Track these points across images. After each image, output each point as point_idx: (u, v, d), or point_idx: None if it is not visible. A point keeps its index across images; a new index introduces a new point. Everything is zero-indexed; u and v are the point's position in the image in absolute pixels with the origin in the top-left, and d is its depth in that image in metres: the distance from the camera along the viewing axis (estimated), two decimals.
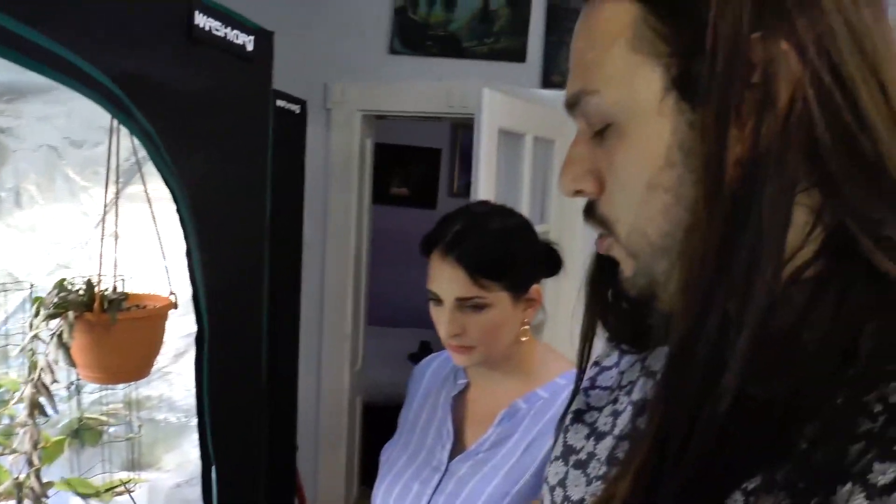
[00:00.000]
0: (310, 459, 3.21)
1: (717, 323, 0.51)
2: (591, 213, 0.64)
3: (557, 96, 1.89)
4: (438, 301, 1.33)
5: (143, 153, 1.86)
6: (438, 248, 1.32)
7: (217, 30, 1.55)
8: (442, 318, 1.32)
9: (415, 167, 5.72)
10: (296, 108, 2.58)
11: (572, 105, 0.62)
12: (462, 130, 5.55)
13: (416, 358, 4.71)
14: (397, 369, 4.52)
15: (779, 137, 0.51)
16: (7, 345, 2.02)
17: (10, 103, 2.04)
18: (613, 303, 0.70)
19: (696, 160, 0.54)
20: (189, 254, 1.47)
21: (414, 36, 3.06)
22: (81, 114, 1.98)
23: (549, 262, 1.42)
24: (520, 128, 2.50)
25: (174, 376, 1.92)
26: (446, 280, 1.30)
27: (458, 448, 1.40)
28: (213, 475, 1.57)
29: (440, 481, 1.36)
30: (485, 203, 1.52)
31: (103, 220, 1.68)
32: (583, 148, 0.63)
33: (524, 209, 2.42)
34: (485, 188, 2.21)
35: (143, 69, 1.37)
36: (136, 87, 1.33)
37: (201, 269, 1.46)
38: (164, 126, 1.38)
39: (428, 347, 4.74)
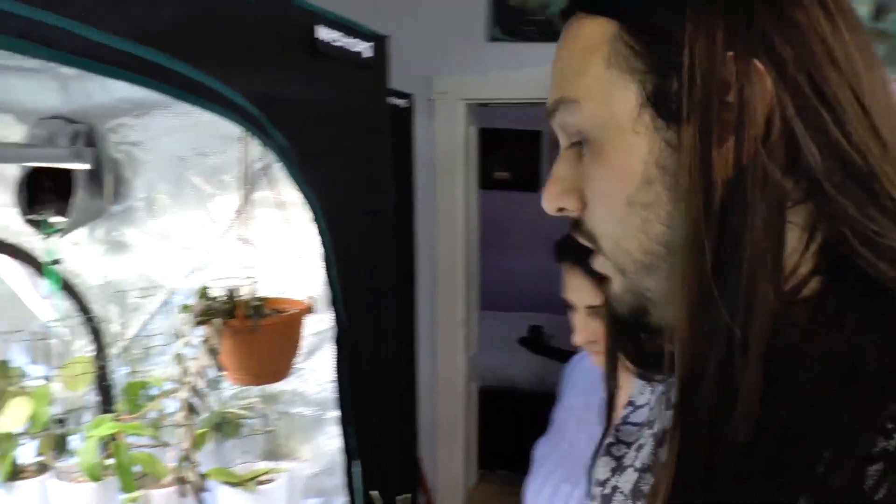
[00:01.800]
0: (429, 445, 3.30)
1: (722, 348, 0.50)
2: (577, 227, 0.64)
3: None
4: (572, 308, 1.35)
5: (267, 160, 1.95)
6: (567, 257, 1.35)
7: (337, 41, 1.60)
8: (576, 324, 1.35)
9: (515, 151, 5.72)
10: (403, 103, 2.63)
11: (551, 113, 0.62)
12: None
13: (526, 342, 4.74)
14: (508, 354, 4.56)
15: (759, 156, 0.51)
16: (152, 345, 2.16)
17: (139, 118, 2.16)
18: (631, 329, 0.69)
19: (675, 178, 0.54)
20: (326, 259, 1.53)
21: (512, 22, 3.06)
22: (205, 125, 2.08)
23: None
24: None
25: (307, 372, 2.01)
26: (576, 288, 1.33)
27: None
28: (356, 469, 1.64)
29: None
30: None
31: (240, 223, 1.76)
32: (565, 165, 0.63)
33: None
34: None
35: (274, 86, 1.43)
36: (269, 104, 1.39)
37: (337, 272, 1.53)
38: (297, 139, 1.44)
39: (539, 331, 4.76)
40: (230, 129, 2.06)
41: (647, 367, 0.70)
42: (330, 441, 2.03)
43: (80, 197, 2.14)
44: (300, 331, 1.66)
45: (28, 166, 2.16)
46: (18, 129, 2.24)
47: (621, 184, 0.57)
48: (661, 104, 0.55)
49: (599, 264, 0.63)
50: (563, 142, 0.63)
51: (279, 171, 1.85)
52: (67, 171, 2.13)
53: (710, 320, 0.51)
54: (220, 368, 1.58)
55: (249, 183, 1.83)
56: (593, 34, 0.58)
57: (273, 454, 2.05)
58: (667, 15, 0.55)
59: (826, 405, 0.47)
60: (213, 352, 1.54)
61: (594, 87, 0.58)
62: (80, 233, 2.26)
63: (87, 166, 2.09)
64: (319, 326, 1.94)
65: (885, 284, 0.49)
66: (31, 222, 2.21)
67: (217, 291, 1.69)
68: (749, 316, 0.50)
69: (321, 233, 1.52)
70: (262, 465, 2.01)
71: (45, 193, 2.22)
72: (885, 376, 0.46)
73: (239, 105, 1.36)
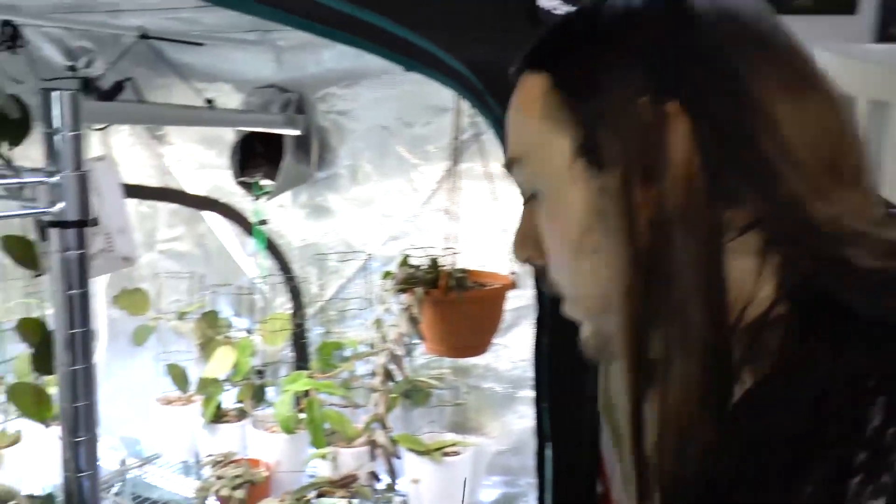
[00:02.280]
0: None
1: (662, 384, 0.53)
2: (543, 276, 0.65)
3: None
4: None
5: (475, 131, 1.94)
6: None
7: (557, 9, 1.54)
8: None
9: None
10: None
11: (507, 171, 0.65)
12: None
13: None
14: None
15: (683, 195, 0.52)
16: (348, 308, 2.22)
17: (348, 88, 2.21)
18: None
19: (611, 224, 0.55)
20: None
21: None
22: (410, 96, 2.09)
23: None
24: (850, 90, 2.28)
25: (501, 348, 1.99)
26: None
27: None
28: (548, 452, 1.60)
29: None
30: None
31: (443, 194, 1.76)
32: (525, 218, 0.65)
33: None
34: None
35: (493, 55, 1.40)
36: (488, 72, 1.37)
37: None
38: None
39: None
40: (436, 99, 2.07)
41: None
42: (520, 420, 2.02)
43: (288, 162, 2.22)
44: (502, 307, 1.64)
45: (242, 132, 2.26)
46: (235, 97, 2.36)
47: (566, 233, 0.60)
48: (591, 153, 0.57)
49: (567, 310, 0.64)
50: (522, 196, 0.65)
51: (489, 143, 1.83)
52: (278, 138, 2.22)
53: (646, 361, 0.54)
54: (419, 337, 1.59)
55: (456, 154, 1.82)
56: (532, 89, 0.60)
57: (460, 427, 2.06)
58: (589, 65, 0.57)
59: (805, 425, 0.47)
60: (413, 321, 1.55)
61: (533, 142, 0.60)
62: (286, 196, 2.35)
63: (297, 132, 2.16)
64: (518, 303, 1.92)
65: (846, 303, 0.49)
66: (243, 184, 2.33)
67: (418, 261, 1.70)
68: (686, 352, 0.52)
69: None
70: (449, 437, 2.02)
71: (256, 158, 2.32)
72: (855, 397, 0.46)
73: (459, 72, 1.34)
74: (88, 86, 2.35)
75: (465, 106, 1.81)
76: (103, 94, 2.38)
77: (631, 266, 0.54)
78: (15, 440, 2.09)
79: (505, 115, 0.63)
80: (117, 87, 2.38)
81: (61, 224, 0.77)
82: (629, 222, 0.54)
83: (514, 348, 1.99)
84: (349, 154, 2.23)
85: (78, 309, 0.79)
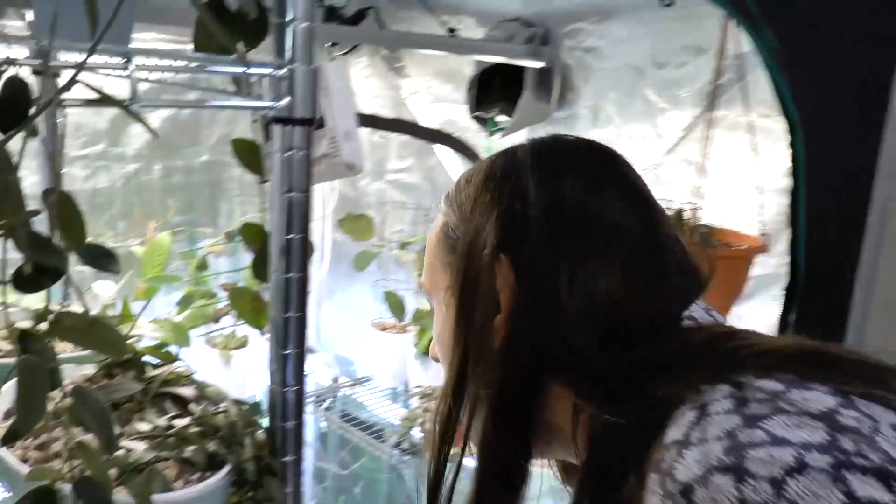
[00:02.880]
0: None
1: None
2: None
3: None
4: None
5: (735, 76, 1.74)
6: None
7: None
8: None
9: None
10: None
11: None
12: None
13: None
14: None
15: (506, 334, 0.66)
16: None
17: (598, 24, 2.06)
18: None
19: (452, 336, 0.71)
20: (794, 192, 1.30)
21: None
22: (666, 34, 1.92)
23: None
24: None
25: (735, 319, 1.80)
26: None
27: None
28: None
29: None
30: None
31: (695, 143, 1.59)
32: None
33: None
34: None
35: None
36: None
37: (806, 212, 1.29)
38: (790, 44, 1.21)
39: None
40: (694, 38, 1.87)
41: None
42: None
43: (526, 98, 2.12)
44: (747, 271, 1.46)
45: (482, 66, 2.18)
46: (478, 31, 2.28)
47: (440, 346, 0.75)
48: (454, 286, 0.70)
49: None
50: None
51: (754, 88, 1.62)
52: (517, 74, 2.12)
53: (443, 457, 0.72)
54: None
55: (711, 99, 1.63)
56: (439, 225, 0.74)
57: None
58: (462, 216, 0.70)
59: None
60: None
61: (429, 270, 0.75)
62: (521, 135, 2.26)
63: (540, 65, 2.05)
64: (760, 270, 1.71)
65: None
66: (478, 119, 2.26)
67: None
68: (483, 458, 0.70)
69: (795, 159, 1.28)
70: None
71: (493, 94, 2.25)
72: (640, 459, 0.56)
73: None
74: (332, 13, 2.37)
75: (730, 46, 1.62)
76: (345, 21, 2.40)
77: (451, 376, 0.71)
78: (242, 343, 2.19)
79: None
80: (359, 15, 2.39)
81: (285, 120, 0.72)
82: (456, 343, 0.70)
83: (749, 320, 1.79)
84: (592, 94, 2.10)
85: (297, 213, 0.74)
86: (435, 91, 2.48)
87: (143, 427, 0.77)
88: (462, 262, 0.70)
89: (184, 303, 2.15)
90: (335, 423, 2.35)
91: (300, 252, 0.76)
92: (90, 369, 0.91)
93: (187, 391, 0.84)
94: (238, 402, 0.86)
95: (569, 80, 2.13)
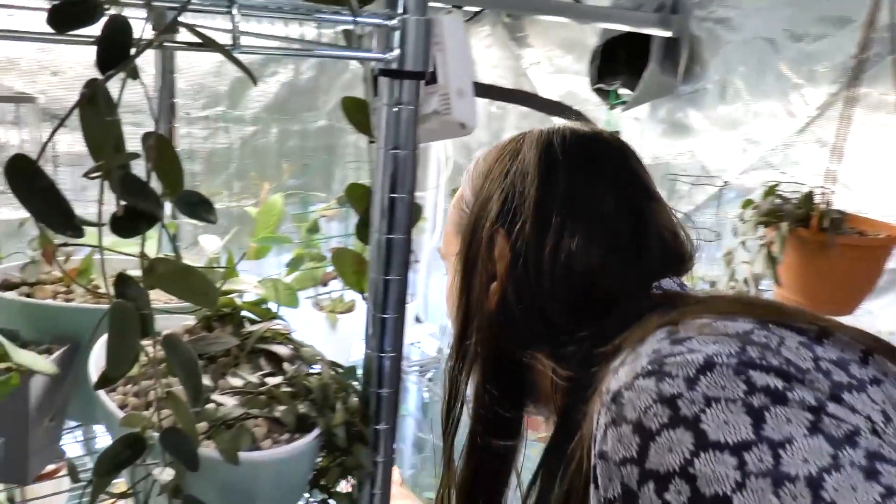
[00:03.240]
0: None
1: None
2: None
3: None
4: None
5: (881, 50, 1.60)
6: None
7: None
8: None
9: None
10: None
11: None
12: None
13: None
14: None
15: (499, 299, 0.77)
16: (694, 239, 2.00)
17: None
18: None
19: (460, 296, 0.82)
20: None
21: None
22: (807, 4, 1.78)
23: None
24: None
25: (865, 314, 1.67)
26: None
27: None
28: None
29: None
30: None
31: (832, 123, 1.47)
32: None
33: None
34: None
35: None
36: None
37: None
38: None
39: None
40: (837, 8, 1.73)
41: None
42: None
43: (651, 71, 2.02)
44: (882, 262, 1.34)
45: (606, 37, 2.10)
46: None
47: (448, 306, 0.86)
48: (460, 253, 0.82)
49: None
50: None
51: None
52: (642, 46, 2.03)
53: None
54: (775, 281, 1.35)
55: (855, 75, 1.50)
56: (456, 197, 0.86)
57: None
58: (470, 188, 0.84)
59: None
60: (771, 260, 1.32)
61: (446, 239, 0.87)
62: (643, 109, 2.17)
63: (667, 34, 1.95)
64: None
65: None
66: (599, 92, 2.18)
67: (787, 193, 1.44)
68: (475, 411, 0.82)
69: None
70: None
71: (617, 66, 2.16)
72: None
73: None
74: None
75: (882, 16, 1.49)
76: None
77: (457, 327, 0.81)
78: (349, 308, 2.21)
79: None
80: None
81: (393, 73, 0.68)
82: (462, 299, 0.80)
83: (881, 317, 1.66)
84: (720, 67, 1.98)
85: (402, 171, 0.71)
86: (556, 62, 2.41)
87: (236, 382, 0.76)
88: (468, 231, 0.80)
89: (293, 264, 2.17)
90: (438, 394, 2.34)
91: (404, 213, 0.72)
92: (191, 321, 0.91)
93: (283, 350, 0.83)
94: (333, 365, 0.84)
95: (697, 52, 2.02)
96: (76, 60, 1.87)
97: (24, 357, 0.80)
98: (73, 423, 1.11)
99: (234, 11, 0.59)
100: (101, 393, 0.75)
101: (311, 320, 2.14)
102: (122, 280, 0.61)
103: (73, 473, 0.73)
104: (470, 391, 0.82)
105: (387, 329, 0.75)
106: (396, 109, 0.70)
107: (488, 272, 0.78)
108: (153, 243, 1.22)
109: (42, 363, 0.80)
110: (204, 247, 1.04)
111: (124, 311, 0.58)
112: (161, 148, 0.60)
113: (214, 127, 2.25)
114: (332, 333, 2.09)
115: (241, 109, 2.30)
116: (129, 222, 0.59)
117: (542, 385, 0.77)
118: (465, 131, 0.77)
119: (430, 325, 2.74)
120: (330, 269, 2.25)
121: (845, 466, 0.50)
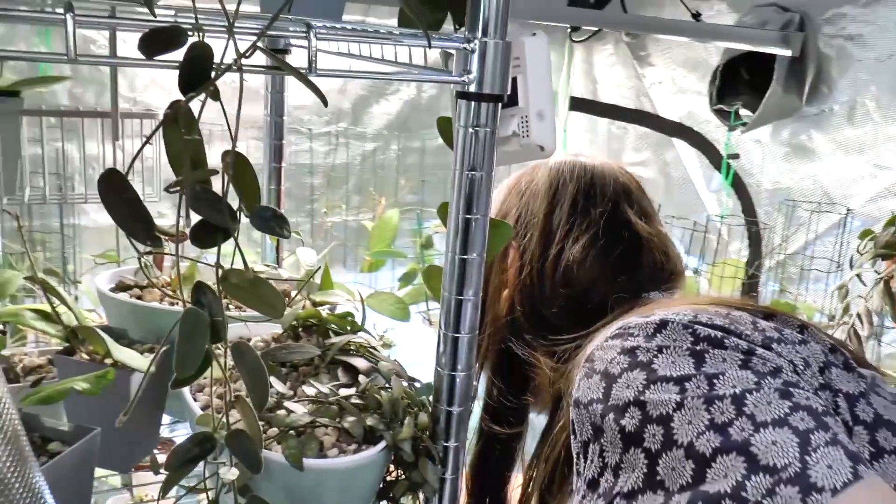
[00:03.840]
0: None
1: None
2: None
3: None
4: None
5: None
6: None
7: None
8: None
9: None
10: None
11: None
12: None
13: None
14: None
15: (508, 306, 0.91)
16: (811, 268, 1.91)
17: (866, 7, 1.85)
18: None
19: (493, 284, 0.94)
20: None
21: None
22: None
23: None
24: None
25: None
26: None
27: None
28: None
29: None
30: None
31: None
32: None
33: None
34: None
35: None
36: None
37: None
38: None
39: None
40: None
41: None
42: None
43: (774, 90, 1.95)
44: None
45: (728, 55, 2.04)
46: (729, 17, 2.13)
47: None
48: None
49: None
50: None
51: None
52: (766, 66, 1.95)
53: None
54: (893, 317, 1.27)
55: None
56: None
57: None
58: (505, 204, 0.97)
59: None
60: (890, 295, 1.24)
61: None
62: (765, 130, 2.09)
63: (789, 53, 1.88)
64: None
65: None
66: (719, 112, 2.12)
67: None
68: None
69: None
70: None
71: (739, 86, 2.09)
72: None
73: None
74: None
75: None
76: (591, 5, 2.34)
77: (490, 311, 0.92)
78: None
79: None
80: (604, 1, 2.32)
81: (470, 95, 0.69)
82: (494, 290, 0.92)
83: None
84: (850, 87, 1.88)
85: (478, 192, 0.71)
86: (679, 82, 2.36)
87: (310, 391, 0.78)
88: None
89: (406, 279, 2.22)
90: None
91: (480, 233, 0.73)
92: (278, 329, 0.94)
93: (361, 363, 0.85)
94: (411, 381, 0.86)
95: (825, 71, 1.93)
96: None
97: (124, 354, 0.86)
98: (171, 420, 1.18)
99: (312, 36, 0.62)
100: (186, 392, 0.79)
101: (420, 335, 2.17)
102: (198, 287, 0.65)
103: (155, 466, 0.77)
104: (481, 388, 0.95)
105: (459, 348, 0.76)
106: (472, 131, 0.70)
107: (501, 281, 0.91)
108: (257, 256, 1.28)
109: (139, 361, 0.86)
110: (301, 259, 1.08)
111: (195, 317, 0.61)
112: (238, 166, 0.63)
113: (336, 143, 2.33)
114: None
115: (364, 126, 2.37)
116: (205, 234, 0.63)
117: (540, 380, 0.87)
118: (545, 154, 0.77)
119: None
120: None
121: (764, 388, 0.61)
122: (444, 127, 0.85)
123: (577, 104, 2.66)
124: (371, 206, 2.37)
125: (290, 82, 1.21)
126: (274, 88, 1.19)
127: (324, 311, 0.96)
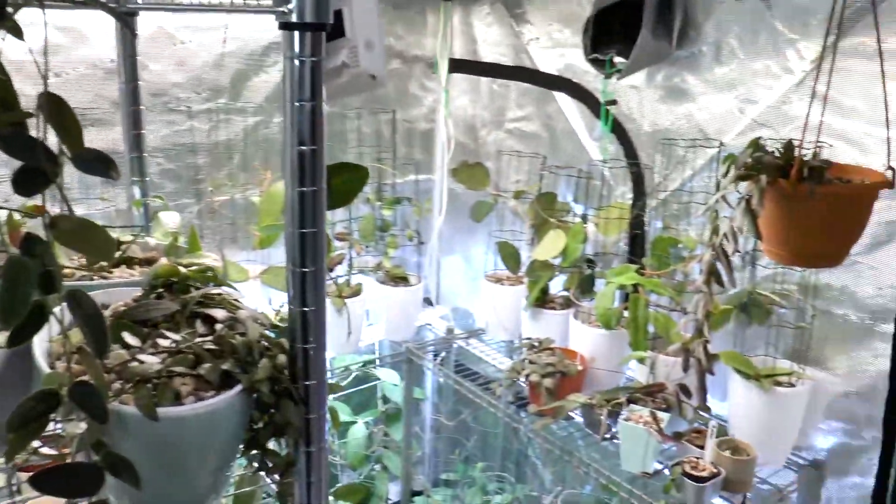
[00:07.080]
0: None
1: None
2: None
3: None
4: None
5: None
6: None
7: None
8: None
9: None
10: None
11: None
12: None
13: None
14: None
15: None
16: (690, 202, 1.98)
17: None
18: None
19: None
20: None
21: None
22: None
23: None
24: None
25: (864, 268, 1.63)
26: None
27: None
28: None
29: None
30: None
31: (817, 76, 1.43)
32: None
33: None
34: None
35: None
36: None
37: None
38: None
39: None
40: None
41: None
42: (875, 360, 1.65)
43: (644, 37, 1.99)
44: (868, 210, 1.30)
45: (598, 6, 2.07)
46: None
47: None
48: None
49: None
50: None
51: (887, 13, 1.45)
52: (635, 13, 2.00)
53: None
54: (756, 236, 1.32)
55: (838, 25, 1.46)
56: None
57: (800, 356, 1.74)
58: None
59: None
60: (751, 214, 1.29)
61: None
62: (640, 76, 2.13)
63: None
64: (894, 214, 1.54)
65: None
66: (594, 62, 2.15)
67: (773, 146, 1.41)
68: None
69: None
70: (785, 365, 1.73)
71: (612, 35, 2.13)
72: None
73: None
74: None
75: None
76: None
77: None
78: (355, 292, 2.24)
79: None
80: None
81: (294, 26, 0.69)
82: None
83: (882, 271, 1.62)
84: (715, 29, 1.94)
85: (307, 122, 0.71)
86: (555, 36, 2.39)
87: (164, 343, 0.77)
88: None
89: None
90: (449, 377, 2.34)
91: (312, 163, 0.73)
92: (139, 292, 0.92)
93: (220, 313, 0.84)
94: (273, 327, 0.85)
95: (691, 15, 1.98)
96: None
97: None
98: None
99: None
100: (36, 354, 0.77)
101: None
102: (28, 238, 0.62)
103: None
104: None
105: (306, 283, 0.75)
106: (298, 62, 0.70)
107: None
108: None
109: None
110: (163, 222, 1.05)
111: (18, 263, 0.59)
112: (55, 108, 0.61)
113: (216, 119, 2.28)
114: (339, 318, 2.10)
115: (244, 101, 2.32)
116: (27, 180, 0.61)
117: None
118: (377, 84, 0.77)
119: (441, 308, 2.74)
120: (335, 254, 2.27)
121: None
122: None
123: (458, 65, 2.67)
124: (259, 182, 2.33)
125: (159, 57, 1.18)
126: (126, 52, 1.16)
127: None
